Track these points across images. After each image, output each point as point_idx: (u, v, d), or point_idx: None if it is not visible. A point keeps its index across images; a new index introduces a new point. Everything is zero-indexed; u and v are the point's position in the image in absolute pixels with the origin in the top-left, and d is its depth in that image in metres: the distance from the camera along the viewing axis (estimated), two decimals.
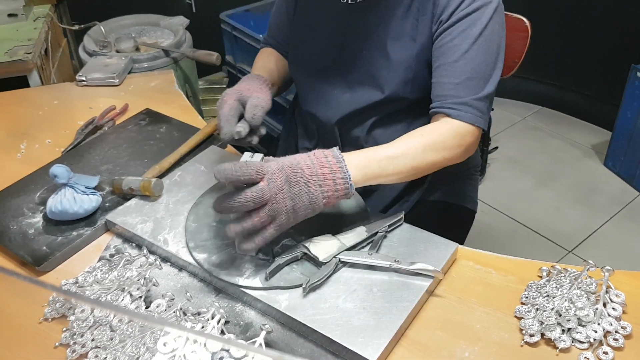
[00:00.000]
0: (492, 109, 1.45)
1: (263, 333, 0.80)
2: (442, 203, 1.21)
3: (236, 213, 0.82)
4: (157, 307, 0.83)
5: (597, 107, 2.72)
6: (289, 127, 1.35)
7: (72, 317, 0.81)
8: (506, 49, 1.14)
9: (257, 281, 0.85)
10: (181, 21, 2.03)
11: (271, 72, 1.20)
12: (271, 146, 1.48)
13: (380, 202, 1.14)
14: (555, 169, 2.52)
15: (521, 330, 0.80)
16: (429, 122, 1.05)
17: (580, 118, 2.81)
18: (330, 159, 0.85)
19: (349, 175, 0.85)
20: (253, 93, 1.02)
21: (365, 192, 1.13)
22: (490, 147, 2.47)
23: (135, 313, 0.78)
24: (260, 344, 0.78)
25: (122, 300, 0.84)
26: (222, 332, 0.81)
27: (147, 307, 0.84)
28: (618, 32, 2.48)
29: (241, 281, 0.85)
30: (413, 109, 1.09)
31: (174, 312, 0.82)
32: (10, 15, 1.79)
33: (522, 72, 1.93)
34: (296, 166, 0.83)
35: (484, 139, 2.31)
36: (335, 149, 0.87)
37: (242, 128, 0.97)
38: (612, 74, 2.53)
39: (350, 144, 1.14)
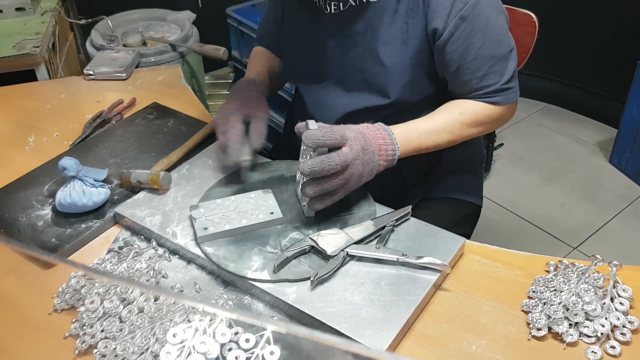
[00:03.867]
0: None
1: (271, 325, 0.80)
2: (447, 198, 1.21)
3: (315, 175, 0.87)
4: (166, 299, 0.84)
5: (602, 104, 2.71)
6: (292, 122, 1.35)
7: (82, 308, 0.82)
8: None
9: (265, 274, 0.86)
10: (188, 16, 2.03)
11: (265, 75, 1.22)
12: (277, 140, 1.49)
13: (387, 198, 1.14)
14: (560, 165, 2.52)
15: (528, 324, 0.81)
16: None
17: (585, 115, 2.80)
18: (382, 131, 0.94)
19: (397, 148, 0.94)
20: (255, 112, 1.06)
21: (372, 187, 1.13)
22: (495, 144, 2.47)
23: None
24: (268, 337, 0.79)
25: (132, 292, 0.84)
26: (230, 325, 0.81)
27: (155, 300, 0.84)
28: (624, 29, 2.48)
29: (249, 274, 0.86)
30: (412, 111, 1.08)
31: (183, 304, 0.83)
32: (18, 9, 1.79)
33: (528, 68, 1.92)
34: (366, 135, 0.91)
35: (489, 135, 2.31)
36: (382, 124, 0.95)
37: (249, 160, 1.03)
38: (618, 70, 2.52)
39: None
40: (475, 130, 1.03)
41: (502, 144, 2.58)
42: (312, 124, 0.94)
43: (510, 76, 1.02)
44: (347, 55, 1.06)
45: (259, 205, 0.96)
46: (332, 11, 1.04)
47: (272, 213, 0.95)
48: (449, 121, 1.01)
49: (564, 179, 2.44)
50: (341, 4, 1.03)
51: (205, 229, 0.92)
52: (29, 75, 1.61)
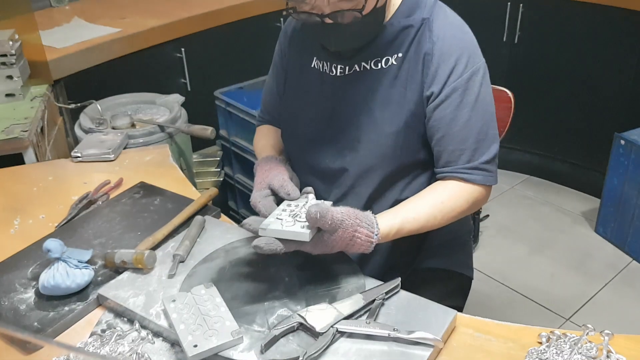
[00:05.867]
0: None
1: None
2: (437, 270, 1.21)
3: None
4: None
5: (583, 175, 2.77)
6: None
7: None
8: None
9: (252, 354, 0.83)
10: (177, 99, 2.08)
11: (277, 147, 1.25)
12: None
13: (376, 270, 1.13)
14: (547, 236, 2.53)
15: None
16: (420, 188, 1.07)
17: (568, 186, 2.86)
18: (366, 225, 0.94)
19: (376, 237, 0.94)
20: (273, 176, 1.05)
21: (360, 259, 1.13)
22: (481, 215, 2.49)
23: None
24: None
25: None
26: None
27: None
28: (600, 101, 2.57)
29: (236, 355, 0.83)
30: (403, 176, 1.11)
31: None
32: (7, 95, 1.83)
33: (508, 142, 1.96)
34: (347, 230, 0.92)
35: None
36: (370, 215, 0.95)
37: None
38: (596, 142, 2.60)
39: None
40: (450, 217, 1.04)
41: (487, 216, 2.60)
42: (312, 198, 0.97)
43: (489, 158, 1.05)
44: (345, 116, 1.10)
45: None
46: (337, 74, 1.09)
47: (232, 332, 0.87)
48: (428, 211, 1.02)
49: (551, 250, 2.45)
50: (347, 68, 1.09)
51: (195, 346, 0.84)
52: (16, 159, 1.62)
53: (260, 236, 0.90)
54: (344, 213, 0.90)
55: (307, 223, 0.89)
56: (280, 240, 0.89)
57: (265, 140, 1.28)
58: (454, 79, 1.02)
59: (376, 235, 0.93)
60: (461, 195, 1.05)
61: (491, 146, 1.06)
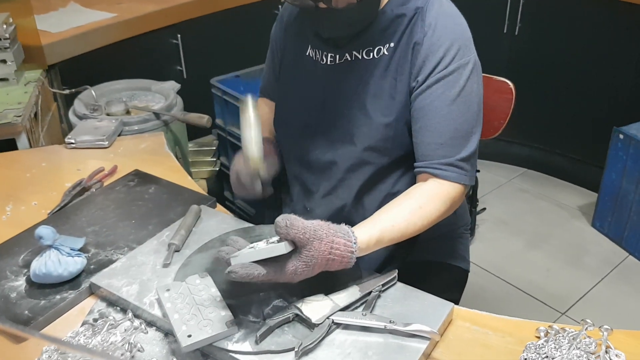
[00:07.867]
0: (478, 170, 1.46)
1: None
2: (434, 263, 1.20)
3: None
4: None
5: (582, 169, 2.76)
6: (279, 183, 1.35)
7: None
8: (491, 111, 1.15)
9: (247, 345, 0.82)
10: (172, 86, 2.06)
11: (269, 125, 1.25)
12: (261, 209, 1.48)
13: (372, 262, 1.12)
14: (544, 230, 2.53)
15: None
16: (412, 181, 1.06)
17: (565, 180, 2.85)
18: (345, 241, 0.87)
19: (355, 252, 0.87)
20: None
21: None
22: (478, 209, 2.48)
23: None
24: None
25: None
26: None
27: None
28: (600, 95, 2.56)
29: (230, 345, 0.82)
30: (395, 169, 1.10)
31: None
32: (1, 79, 1.80)
33: (507, 135, 1.94)
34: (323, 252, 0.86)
35: (472, 200, 2.33)
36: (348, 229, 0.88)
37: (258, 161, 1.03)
38: (595, 136, 2.59)
39: (337, 215, 1.13)
40: (430, 219, 0.98)
41: (484, 209, 2.59)
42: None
43: (466, 155, 1.01)
44: (337, 106, 1.08)
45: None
46: (328, 62, 1.08)
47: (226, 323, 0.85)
48: (405, 216, 0.96)
49: (548, 244, 2.44)
50: (337, 57, 1.07)
51: (189, 336, 0.82)
52: (9, 145, 1.60)
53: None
54: (315, 223, 0.84)
55: (278, 238, 0.83)
56: (258, 263, 0.81)
57: (265, 116, 1.28)
58: (440, 69, 0.99)
59: (355, 243, 0.86)
60: (438, 197, 1.00)
61: (469, 144, 1.01)
